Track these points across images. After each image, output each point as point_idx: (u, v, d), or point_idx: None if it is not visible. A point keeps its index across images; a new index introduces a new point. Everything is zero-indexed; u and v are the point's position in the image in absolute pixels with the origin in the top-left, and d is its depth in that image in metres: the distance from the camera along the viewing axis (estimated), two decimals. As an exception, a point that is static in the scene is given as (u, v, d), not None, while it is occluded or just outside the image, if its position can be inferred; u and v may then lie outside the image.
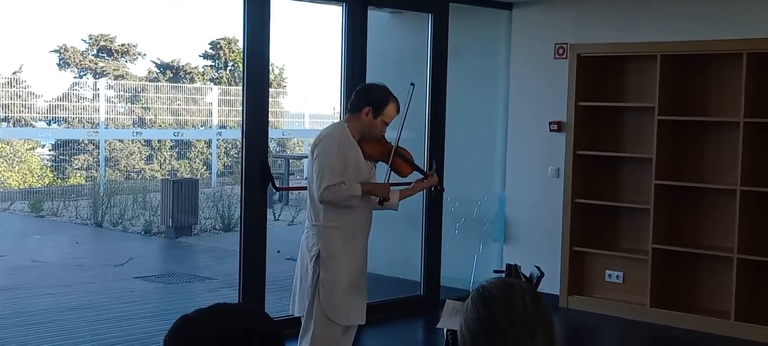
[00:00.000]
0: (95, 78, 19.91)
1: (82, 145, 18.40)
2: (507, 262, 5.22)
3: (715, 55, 6.98)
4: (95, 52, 20.59)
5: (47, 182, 17.10)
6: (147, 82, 20.14)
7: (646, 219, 7.21)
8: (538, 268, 4.51)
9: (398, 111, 4.73)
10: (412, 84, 4.94)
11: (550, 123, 7.63)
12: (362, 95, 4.71)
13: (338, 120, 4.80)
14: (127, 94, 19.46)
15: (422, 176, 4.97)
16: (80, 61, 20.23)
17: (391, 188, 4.79)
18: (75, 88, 19.63)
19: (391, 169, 4.83)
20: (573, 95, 7.49)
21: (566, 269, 7.60)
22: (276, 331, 1.75)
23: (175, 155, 19.62)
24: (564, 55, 7.57)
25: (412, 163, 4.95)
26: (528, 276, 4.52)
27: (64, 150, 18.23)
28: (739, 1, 6.86)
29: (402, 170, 4.90)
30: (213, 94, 19.58)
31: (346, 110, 4.76)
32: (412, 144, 7.82)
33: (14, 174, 16.83)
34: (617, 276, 7.51)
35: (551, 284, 7.23)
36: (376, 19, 7.73)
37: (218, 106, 19.14)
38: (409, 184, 4.99)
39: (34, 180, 17.08)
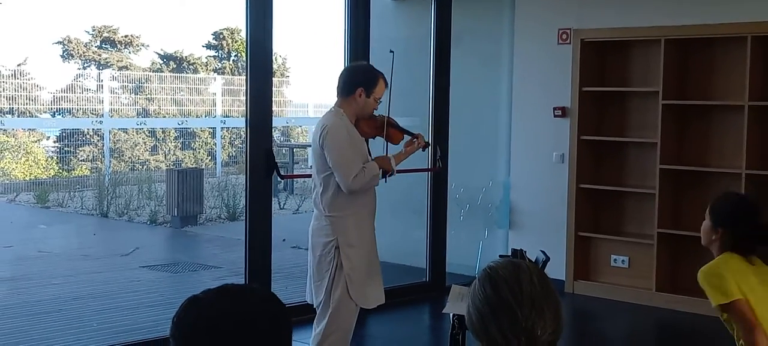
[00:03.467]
0: (99, 69, 19.91)
1: (87, 136, 18.41)
2: (512, 247, 5.23)
3: (719, 38, 6.97)
4: (99, 43, 20.58)
5: (53, 174, 17.12)
6: (151, 73, 20.14)
7: (651, 204, 7.21)
8: (543, 252, 4.50)
9: (387, 85, 4.76)
10: (392, 51, 4.93)
11: (554, 109, 7.63)
12: (352, 77, 4.70)
13: (332, 108, 4.73)
14: (130, 85, 19.46)
15: (412, 138, 4.97)
16: (84, 53, 20.22)
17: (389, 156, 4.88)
18: (79, 79, 19.63)
19: (386, 141, 4.89)
20: (577, 80, 7.48)
21: (572, 254, 7.60)
22: (284, 310, 1.76)
23: (180, 146, 19.63)
24: (567, 41, 7.56)
25: (402, 130, 4.97)
26: (533, 261, 4.53)
27: (70, 142, 18.24)
28: (743, -16, 6.84)
29: (395, 139, 4.93)
30: (216, 85, 19.57)
31: (338, 95, 4.72)
32: (415, 131, 7.88)
33: (20, 166, 16.86)
34: (623, 261, 7.51)
35: (557, 270, 7.23)
36: (379, 6, 7.72)
37: (222, 96, 19.13)
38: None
39: (40, 172, 17.10)
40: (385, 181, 4.84)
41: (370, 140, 4.89)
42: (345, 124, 4.61)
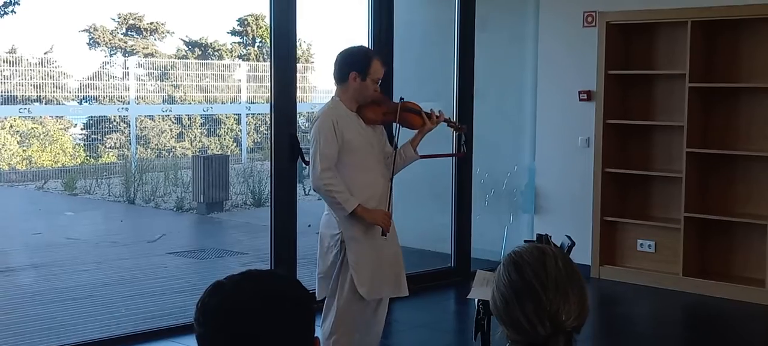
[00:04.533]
0: (125, 56, 20.02)
1: (114, 123, 18.54)
2: (537, 232, 5.21)
3: (746, 19, 6.90)
4: (124, 30, 20.69)
5: (80, 161, 17.26)
6: (176, 60, 20.22)
7: (678, 187, 7.16)
8: (568, 237, 4.49)
9: (384, 66, 4.58)
10: (402, 99, 4.68)
11: (580, 92, 7.58)
12: (344, 63, 4.53)
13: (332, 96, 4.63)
14: (156, 72, 19.55)
15: (427, 116, 4.70)
16: (110, 40, 20.33)
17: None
18: (105, 67, 19.75)
19: (401, 126, 4.66)
20: (602, 64, 7.43)
21: (597, 239, 7.57)
22: (307, 295, 1.77)
23: (205, 133, 19.71)
24: (593, 23, 7.51)
25: (421, 113, 4.71)
26: (559, 246, 4.51)
27: (97, 129, 18.37)
28: (772, -35, 6.76)
29: (414, 123, 4.69)
30: (241, 71, 19.62)
31: (335, 83, 4.59)
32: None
33: (47, 153, 17.00)
34: (649, 245, 7.47)
35: (583, 255, 7.20)
36: (403, -9, 7.69)
37: (247, 83, 19.18)
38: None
39: (67, 159, 17.24)
40: (386, 237, 4.61)
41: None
42: (337, 116, 4.48)
